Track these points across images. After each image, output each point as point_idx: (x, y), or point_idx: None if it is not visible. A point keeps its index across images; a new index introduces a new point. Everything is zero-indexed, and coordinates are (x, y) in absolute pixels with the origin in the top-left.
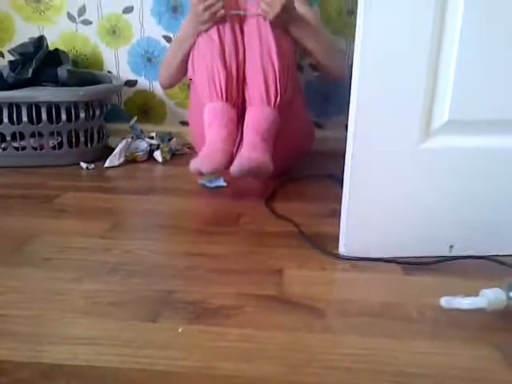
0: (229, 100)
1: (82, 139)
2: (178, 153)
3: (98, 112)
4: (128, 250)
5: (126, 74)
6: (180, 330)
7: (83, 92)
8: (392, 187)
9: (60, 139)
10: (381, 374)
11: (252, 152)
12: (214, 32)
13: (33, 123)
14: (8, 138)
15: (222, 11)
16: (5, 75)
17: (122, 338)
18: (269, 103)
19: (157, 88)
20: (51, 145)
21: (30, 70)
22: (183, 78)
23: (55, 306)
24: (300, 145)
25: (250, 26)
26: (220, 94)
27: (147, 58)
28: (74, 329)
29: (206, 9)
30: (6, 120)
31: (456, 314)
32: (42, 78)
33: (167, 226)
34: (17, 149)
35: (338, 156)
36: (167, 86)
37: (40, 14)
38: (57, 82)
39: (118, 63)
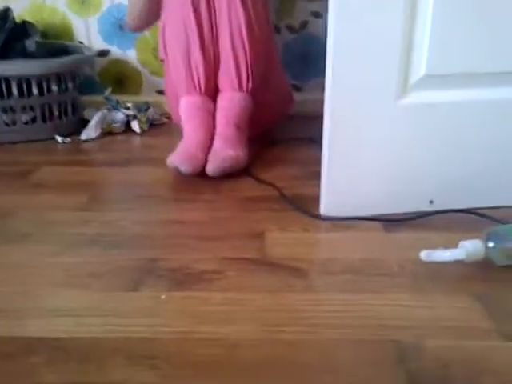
0: (207, 92)
1: (56, 113)
2: (156, 123)
3: (70, 84)
4: (107, 222)
5: (98, 43)
6: (163, 297)
7: (54, 64)
8: (371, 145)
9: (33, 114)
10: (363, 328)
11: (224, 148)
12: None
13: (3, 98)
14: None
15: None
16: None
17: (104, 308)
18: (241, 89)
19: (131, 57)
20: (24, 120)
21: None
22: (154, 22)
23: (35, 281)
24: (279, 108)
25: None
26: (198, 88)
27: (119, 25)
28: (56, 302)
29: None
30: None
31: (436, 266)
32: (10, 52)
33: (146, 196)
34: None
35: (317, 118)
36: (135, 29)
37: None
38: (26, 55)
39: (89, 33)
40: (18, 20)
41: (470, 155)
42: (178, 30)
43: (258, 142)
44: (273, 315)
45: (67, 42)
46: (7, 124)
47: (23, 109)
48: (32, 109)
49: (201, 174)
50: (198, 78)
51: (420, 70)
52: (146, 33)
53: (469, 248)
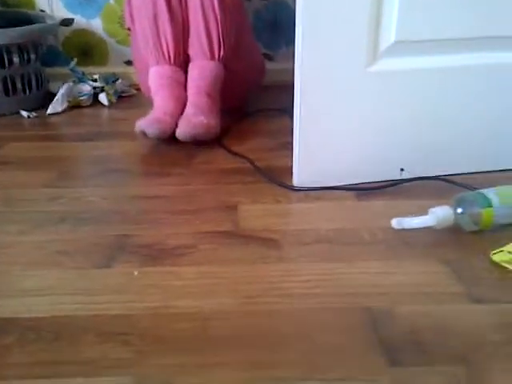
0: (176, 61)
1: (19, 86)
2: (124, 94)
3: (33, 55)
4: (76, 198)
5: (61, 12)
6: (136, 273)
7: (15, 33)
8: (341, 114)
9: None
10: (337, 296)
11: (196, 115)
12: None
13: None
14: None
15: None
16: None
17: (76, 286)
18: (212, 57)
19: (96, 26)
20: None
21: None
22: None
23: (4, 260)
24: (251, 77)
25: None
26: (167, 57)
27: None
28: (26, 281)
29: None
30: None
31: (407, 233)
32: None
33: (116, 170)
34: None
35: (289, 88)
36: None
37: None
38: None
39: (51, 1)
40: None
41: (440, 122)
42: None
43: (230, 113)
44: (247, 287)
45: (29, 11)
46: None
47: None
48: None
49: (171, 143)
50: (167, 47)
51: (390, 36)
52: (111, 1)
53: (438, 214)
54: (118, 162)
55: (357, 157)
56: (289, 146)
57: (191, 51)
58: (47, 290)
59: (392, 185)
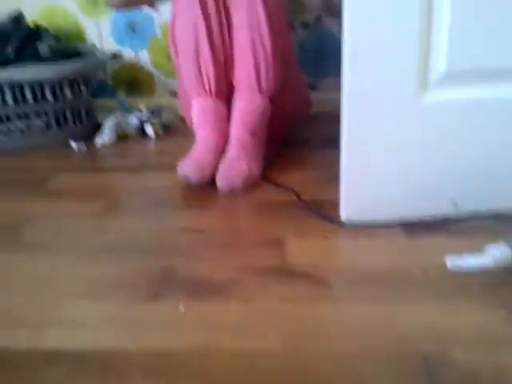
0: (218, 94)
1: (70, 118)
2: (170, 126)
3: (84, 88)
4: (123, 229)
5: (110, 45)
6: (181, 307)
7: (67, 68)
8: (390, 146)
9: (47, 119)
10: (387, 339)
11: (239, 158)
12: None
13: (17, 104)
14: None
15: None
16: None
17: (123, 319)
18: (261, 92)
19: (143, 59)
20: (38, 126)
21: (11, 50)
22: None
23: (52, 290)
24: (296, 112)
25: None
26: (209, 89)
27: (131, 28)
28: (74, 312)
29: None
30: None
31: (462, 273)
32: (24, 56)
33: (162, 202)
34: (3, 132)
35: (335, 118)
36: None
37: None
38: (39, 60)
39: (101, 35)
40: (31, 24)
41: (495, 154)
42: (187, 31)
43: (274, 144)
44: (294, 326)
45: (80, 45)
46: (22, 130)
47: (37, 115)
48: (46, 114)
49: (213, 181)
50: (209, 80)
51: (440, 65)
52: (158, 33)
53: (496, 254)
54: (163, 193)
55: (407, 190)
56: (335, 178)
57: (238, 82)
58: (94, 322)
59: (444, 220)
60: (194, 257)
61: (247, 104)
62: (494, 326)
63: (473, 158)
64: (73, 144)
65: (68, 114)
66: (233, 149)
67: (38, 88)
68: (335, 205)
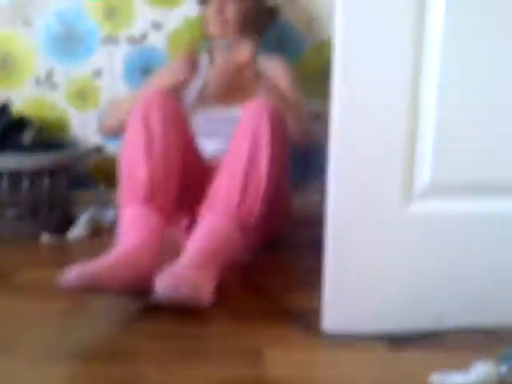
0: (150, 203)
1: (45, 209)
2: None
3: (62, 180)
4: (89, 331)
5: (94, 139)
6: None
7: (47, 159)
8: (374, 257)
9: (20, 209)
10: None
11: (190, 268)
12: (139, 114)
13: None
14: None
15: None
16: None
17: None
18: (237, 220)
19: None
20: (11, 216)
21: None
22: None
23: None
24: (278, 223)
25: (248, 112)
26: (139, 197)
27: None
28: None
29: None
30: None
31: None
32: (6, 147)
33: (133, 303)
34: None
35: (318, 222)
36: (109, 132)
37: (6, 78)
38: (21, 149)
39: (85, 129)
40: (16, 114)
41: (479, 269)
42: (129, 144)
43: (256, 248)
44: None
45: (63, 137)
46: None
47: (12, 204)
48: (21, 204)
49: None
50: (137, 187)
51: (424, 177)
52: None
53: (482, 372)
54: (133, 294)
55: (391, 302)
56: (318, 285)
57: (215, 200)
58: None
59: (428, 334)
60: (163, 365)
61: (216, 226)
62: None
63: (457, 272)
64: (44, 237)
65: (43, 206)
66: (183, 260)
67: (16, 178)
68: (318, 313)
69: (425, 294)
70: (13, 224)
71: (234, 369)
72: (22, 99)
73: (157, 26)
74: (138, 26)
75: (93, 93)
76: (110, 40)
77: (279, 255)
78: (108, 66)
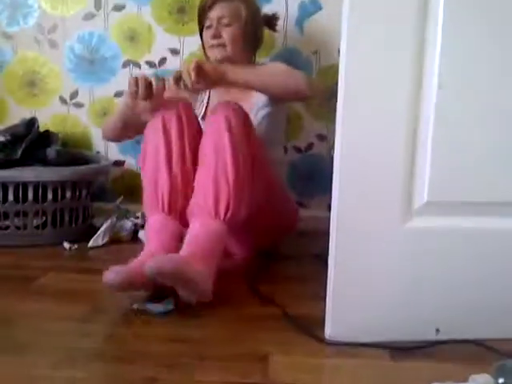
0: (172, 211)
1: (67, 219)
2: None
3: (84, 192)
4: (109, 336)
5: (115, 154)
6: None
7: (70, 172)
8: (376, 268)
9: (44, 219)
10: None
11: (182, 257)
12: (158, 125)
13: (18, 202)
14: None
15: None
16: None
17: None
18: (216, 216)
19: None
20: (35, 224)
21: (19, 151)
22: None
23: None
24: (282, 224)
25: (208, 124)
26: (161, 207)
27: (136, 140)
28: None
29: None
30: None
31: None
32: (32, 159)
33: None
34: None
35: (322, 235)
36: (107, 139)
37: (33, 97)
38: (46, 163)
39: (107, 144)
40: (42, 129)
41: (475, 283)
42: (150, 154)
43: (262, 256)
44: None
45: (85, 152)
46: (18, 227)
47: (36, 213)
48: (44, 214)
49: None
50: (163, 199)
51: (422, 195)
52: None
53: (480, 383)
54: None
55: (391, 313)
56: (322, 295)
57: (194, 206)
58: None
59: (427, 345)
60: (176, 368)
61: (201, 227)
62: None
63: (456, 286)
64: (66, 244)
65: (65, 215)
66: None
67: (40, 188)
68: (321, 321)
69: (425, 307)
70: (36, 232)
71: (238, 374)
72: (48, 116)
73: (174, 51)
74: (157, 52)
75: (114, 111)
76: (132, 63)
77: (284, 265)
78: None
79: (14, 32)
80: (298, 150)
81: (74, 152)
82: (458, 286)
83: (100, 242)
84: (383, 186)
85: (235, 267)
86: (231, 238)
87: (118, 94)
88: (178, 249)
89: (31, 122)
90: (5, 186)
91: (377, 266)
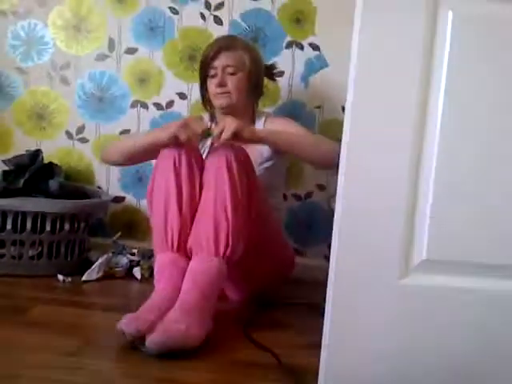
0: (181, 250)
1: (63, 251)
2: None
3: (82, 225)
4: (97, 372)
5: (115, 190)
6: None
7: (70, 204)
8: (371, 323)
9: (40, 249)
10: None
11: (177, 322)
12: (170, 163)
13: (16, 231)
14: None
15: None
16: None
17: None
18: (216, 253)
19: (143, 205)
20: (30, 254)
21: (22, 181)
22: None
23: None
24: (278, 270)
25: (209, 163)
26: (171, 244)
27: (138, 177)
28: None
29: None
30: None
31: None
32: (34, 189)
33: (139, 348)
34: None
35: (317, 284)
36: (111, 163)
37: (40, 129)
38: (48, 194)
39: (109, 180)
40: (46, 161)
41: (472, 348)
42: (160, 192)
43: (257, 302)
44: None
45: (87, 186)
46: (13, 257)
47: (32, 244)
48: (41, 244)
49: None
50: (172, 237)
51: (421, 253)
52: None
53: None
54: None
55: (387, 368)
56: (317, 344)
57: (194, 243)
58: None
59: None
60: None
61: (201, 264)
62: None
63: (452, 349)
64: (60, 276)
65: (62, 247)
66: (175, 311)
67: (39, 219)
68: (315, 372)
69: (418, 364)
70: (32, 262)
71: None
72: (53, 149)
73: (182, 96)
74: (165, 94)
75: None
76: (140, 104)
77: (279, 311)
78: (135, 127)
79: (28, 67)
80: (298, 197)
81: (75, 185)
82: (454, 348)
83: (94, 277)
84: (382, 240)
85: (230, 310)
86: (227, 281)
87: (124, 132)
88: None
89: (36, 154)
90: (4, 215)
91: (373, 320)
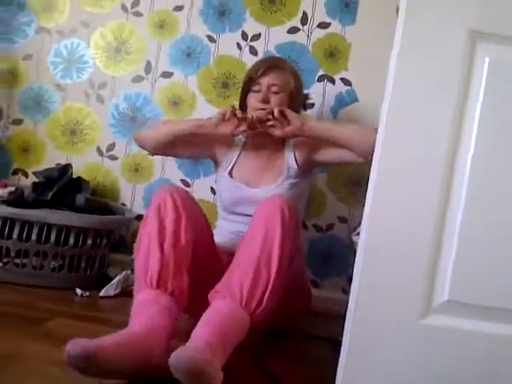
0: (161, 287)
1: (83, 265)
2: None
3: (105, 241)
4: None
5: (139, 208)
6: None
7: (95, 220)
8: (389, 360)
9: (61, 262)
10: None
11: (198, 351)
12: (154, 213)
13: (40, 243)
14: (12, 254)
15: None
16: (26, 194)
17: None
18: (247, 308)
19: None
20: (52, 266)
21: (50, 194)
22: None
23: None
24: (296, 304)
25: (263, 209)
26: (150, 282)
27: None
28: None
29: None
30: (15, 236)
31: None
32: (61, 203)
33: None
34: (17, 265)
35: (334, 317)
36: (153, 143)
37: (72, 144)
38: (74, 208)
39: (134, 198)
40: (75, 175)
41: None
42: (144, 234)
43: (271, 333)
44: None
45: (112, 202)
46: (35, 267)
47: (54, 256)
48: (63, 257)
49: None
50: (152, 275)
51: (443, 294)
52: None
53: None
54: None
55: None
56: (329, 377)
57: (225, 286)
58: None
59: None
60: None
61: (228, 311)
62: None
63: None
64: (78, 290)
65: (82, 261)
66: (190, 342)
67: (63, 232)
68: None
69: None
70: (52, 274)
71: None
72: (82, 164)
73: None
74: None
75: (146, 169)
76: None
77: (294, 344)
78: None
79: (67, 84)
80: (319, 228)
81: (101, 201)
82: None
83: (111, 293)
84: (405, 278)
85: (244, 338)
86: None
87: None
88: (168, 323)
89: (65, 168)
90: (30, 225)
91: (389, 358)
